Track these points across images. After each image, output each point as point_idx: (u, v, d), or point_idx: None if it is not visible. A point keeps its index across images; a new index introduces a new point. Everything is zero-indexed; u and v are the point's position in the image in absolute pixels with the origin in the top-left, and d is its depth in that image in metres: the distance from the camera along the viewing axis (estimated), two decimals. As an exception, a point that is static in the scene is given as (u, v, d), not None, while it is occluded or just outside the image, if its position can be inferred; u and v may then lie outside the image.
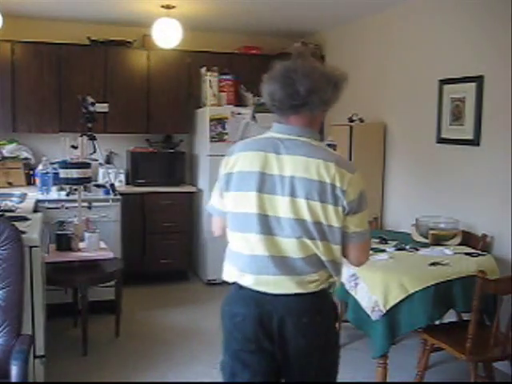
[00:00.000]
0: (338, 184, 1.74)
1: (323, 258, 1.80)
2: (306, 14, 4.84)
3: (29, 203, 4.05)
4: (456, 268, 2.96)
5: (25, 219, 3.23)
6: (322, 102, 1.85)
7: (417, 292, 2.80)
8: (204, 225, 5.24)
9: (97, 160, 4.34)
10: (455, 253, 3.23)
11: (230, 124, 5.03)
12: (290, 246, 1.78)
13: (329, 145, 2.32)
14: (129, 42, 5.28)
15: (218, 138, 5.03)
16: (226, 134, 5.02)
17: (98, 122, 4.43)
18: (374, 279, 2.87)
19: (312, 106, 1.83)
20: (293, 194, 1.76)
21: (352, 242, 1.85)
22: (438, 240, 3.45)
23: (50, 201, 4.36)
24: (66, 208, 4.24)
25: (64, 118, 5.01)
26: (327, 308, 1.89)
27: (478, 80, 3.58)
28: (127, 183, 5.32)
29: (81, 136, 4.11)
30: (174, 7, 4.60)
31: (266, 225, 1.79)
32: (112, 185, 4.56)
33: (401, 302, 2.79)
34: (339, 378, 3.36)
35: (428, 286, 2.81)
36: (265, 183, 1.79)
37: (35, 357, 2.79)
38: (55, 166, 4.61)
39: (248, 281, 1.86)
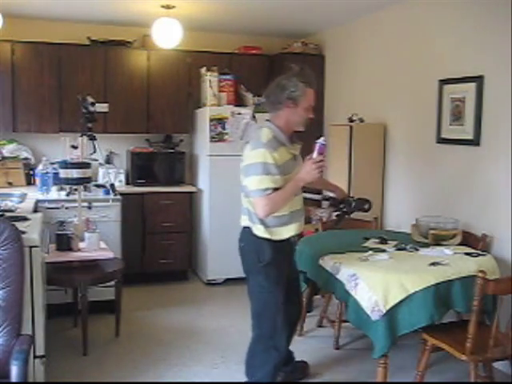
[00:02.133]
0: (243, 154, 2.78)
1: (244, 205, 2.84)
2: (306, 14, 4.84)
3: (29, 203, 4.05)
4: (456, 268, 2.96)
5: (25, 219, 3.23)
6: (271, 103, 2.78)
7: (417, 292, 2.80)
8: (204, 225, 5.25)
9: (97, 160, 4.34)
10: (455, 253, 3.23)
11: (230, 124, 5.03)
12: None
13: (322, 144, 2.69)
14: (129, 42, 5.28)
15: (217, 138, 5.03)
16: (226, 133, 5.02)
17: (98, 122, 4.43)
18: (374, 279, 2.87)
19: (267, 108, 2.83)
20: None
21: (249, 196, 2.75)
22: (438, 240, 3.45)
23: (49, 201, 4.36)
24: (66, 208, 4.24)
25: (64, 118, 5.01)
26: (247, 240, 2.83)
27: (478, 80, 3.58)
28: (127, 183, 5.32)
29: (81, 136, 4.11)
30: (173, 7, 4.60)
31: None
32: (112, 185, 4.55)
33: (401, 302, 2.79)
34: (340, 378, 3.38)
35: (428, 286, 2.81)
36: None
37: (35, 357, 2.79)
38: (55, 165, 4.62)
39: None
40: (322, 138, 2.66)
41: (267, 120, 2.82)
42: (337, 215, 3.10)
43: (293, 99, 2.71)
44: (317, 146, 2.66)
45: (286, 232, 2.82)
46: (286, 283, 2.89)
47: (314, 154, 2.66)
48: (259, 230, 2.77)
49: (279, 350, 2.87)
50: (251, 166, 2.68)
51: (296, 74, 2.75)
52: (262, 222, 2.76)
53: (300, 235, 3.08)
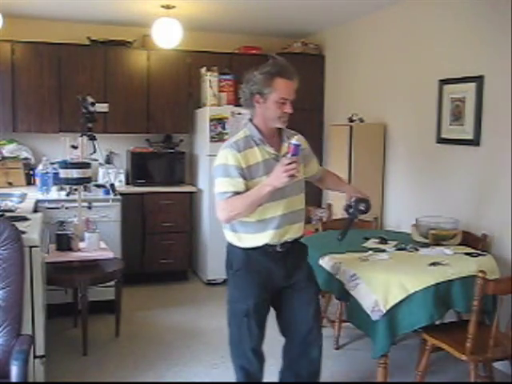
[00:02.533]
0: None
1: None
2: (306, 14, 4.84)
3: (29, 203, 4.05)
4: (456, 268, 2.96)
5: (25, 219, 3.23)
6: (243, 100, 2.60)
7: (417, 292, 2.80)
8: (204, 225, 5.24)
9: (97, 160, 4.34)
10: (455, 253, 3.22)
11: (230, 124, 5.03)
12: None
13: (295, 144, 2.28)
14: (129, 42, 5.28)
15: (217, 138, 5.03)
16: (226, 134, 5.02)
17: (98, 122, 4.43)
18: (374, 279, 2.87)
19: (244, 106, 2.63)
20: None
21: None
22: (438, 240, 3.45)
23: (49, 201, 4.36)
24: (66, 208, 4.24)
25: (64, 118, 5.02)
26: (227, 245, 2.65)
27: (478, 80, 3.58)
28: (127, 183, 5.32)
29: (81, 136, 4.11)
30: (173, 7, 4.60)
31: None
32: (112, 185, 4.56)
33: (401, 301, 2.79)
34: (340, 378, 3.37)
35: (428, 286, 2.81)
36: None
37: (35, 357, 2.79)
38: (55, 165, 4.62)
39: None
40: (295, 138, 2.32)
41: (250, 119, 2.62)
42: (344, 223, 2.78)
43: (259, 93, 2.46)
44: (290, 148, 2.30)
45: (259, 239, 2.53)
46: (274, 295, 2.63)
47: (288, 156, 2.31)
48: (228, 235, 2.61)
49: (250, 360, 2.64)
50: (215, 168, 2.50)
51: (263, 66, 2.47)
52: (232, 227, 2.55)
53: (300, 235, 2.82)
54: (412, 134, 4.34)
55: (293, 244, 2.62)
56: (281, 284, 2.62)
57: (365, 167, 4.56)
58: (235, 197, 2.41)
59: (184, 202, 5.27)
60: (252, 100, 2.51)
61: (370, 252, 3.25)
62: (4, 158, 5.00)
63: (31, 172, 5.06)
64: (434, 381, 3.25)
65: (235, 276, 2.64)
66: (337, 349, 3.75)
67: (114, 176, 5.01)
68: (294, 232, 2.62)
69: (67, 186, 4.33)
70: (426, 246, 3.41)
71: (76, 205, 4.06)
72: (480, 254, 3.21)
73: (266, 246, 2.53)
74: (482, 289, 2.63)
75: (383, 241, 3.54)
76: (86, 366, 3.45)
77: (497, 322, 2.71)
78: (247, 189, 2.44)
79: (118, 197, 4.55)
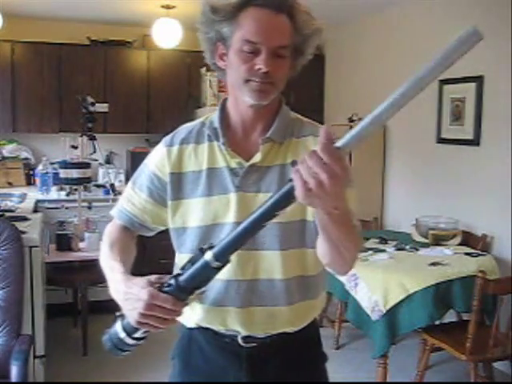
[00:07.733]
0: None
1: None
2: (306, 14, 4.83)
3: (29, 203, 4.05)
4: (456, 268, 2.96)
5: (25, 219, 3.23)
6: (209, 57, 1.54)
7: (417, 292, 2.80)
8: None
9: (97, 160, 4.34)
10: (455, 253, 3.23)
11: (230, 124, 5.02)
12: None
13: None
14: (129, 42, 5.28)
15: (217, 138, 5.02)
16: (226, 134, 5.01)
17: (98, 122, 4.43)
18: (373, 279, 2.87)
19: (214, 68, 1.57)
20: None
21: None
22: (438, 240, 3.45)
23: (49, 201, 4.36)
24: (66, 208, 4.24)
25: (64, 118, 5.01)
26: None
27: (478, 80, 3.59)
28: (127, 183, 5.32)
29: (81, 136, 4.11)
30: (174, 7, 4.59)
31: None
32: (112, 185, 4.56)
33: (401, 301, 2.79)
34: (340, 378, 3.36)
35: (428, 286, 2.81)
36: None
37: (35, 357, 2.79)
38: (55, 165, 4.62)
39: None
40: None
41: None
42: None
43: (222, 40, 1.37)
44: None
45: (193, 315, 1.39)
46: None
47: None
48: None
49: None
50: None
51: None
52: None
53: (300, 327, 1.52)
54: (412, 134, 4.34)
55: (276, 342, 1.34)
56: None
57: (365, 167, 4.56)
58: (115, 235, 1.43)
59: (184, 202, 5.26)
60: (215, 54, 1.40)
61: (370, 252, 3.25)
62: (4, 157, 5.00)
63: (31, 172, 5.06)
64: (434, 381, 3.25)
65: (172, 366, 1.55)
66: (337, 349, 3.75)
67: (114, 176, 5.01)
68: (270, 319, 1.31)
69: (67, 186, 4.33)
70: (425, 245, 3.41)
71: (76, 205, 4.06)
72: (480, 254, 3.22)
73: (211, 331, 1.38)
74: (482, 289, 2.63)
75: (383, 241, 3.54)
76: (86, 366, 3.45)
77: (497, 322, 2.71)
78: (159, 219, 1.43)
79: (118, 197, 4.54)
